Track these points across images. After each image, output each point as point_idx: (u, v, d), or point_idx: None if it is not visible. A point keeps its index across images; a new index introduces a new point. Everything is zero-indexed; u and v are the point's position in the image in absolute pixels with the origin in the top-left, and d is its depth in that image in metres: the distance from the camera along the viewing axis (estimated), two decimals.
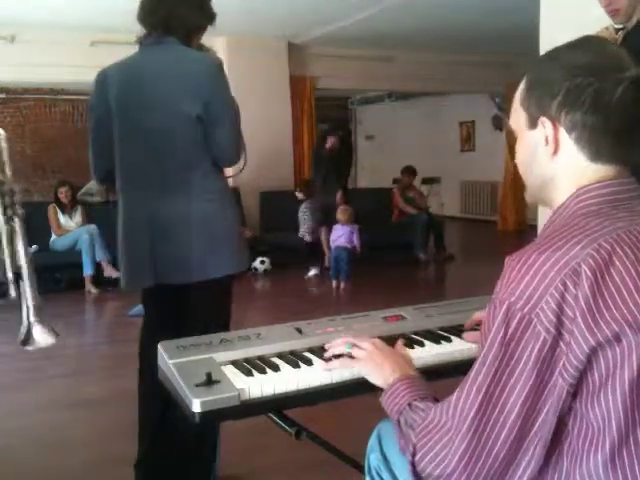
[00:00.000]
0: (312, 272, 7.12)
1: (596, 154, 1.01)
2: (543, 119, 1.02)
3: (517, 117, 1.09)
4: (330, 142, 7.78)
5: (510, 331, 0.92)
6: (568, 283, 0.90)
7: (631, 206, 1.00)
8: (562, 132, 1.01)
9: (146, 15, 2.13)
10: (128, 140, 2.12)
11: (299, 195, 7.64)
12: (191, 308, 2.17)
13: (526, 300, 0.91)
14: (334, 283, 6.65)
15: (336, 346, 1.39)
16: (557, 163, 1.04)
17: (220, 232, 2.14)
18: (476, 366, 0.97)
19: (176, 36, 2.10)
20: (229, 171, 2.30)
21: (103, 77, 2.15)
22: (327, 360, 1.37)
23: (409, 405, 1.12)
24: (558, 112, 1.00)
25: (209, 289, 2.15)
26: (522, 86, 1.08)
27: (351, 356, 1.33)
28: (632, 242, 0.93)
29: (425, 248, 8.09)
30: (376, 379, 1.26)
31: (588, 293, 0.89)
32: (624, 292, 0.90)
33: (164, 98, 2.06)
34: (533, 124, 1.05)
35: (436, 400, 1.12)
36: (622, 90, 0.95)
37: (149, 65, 2.11)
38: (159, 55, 2.10)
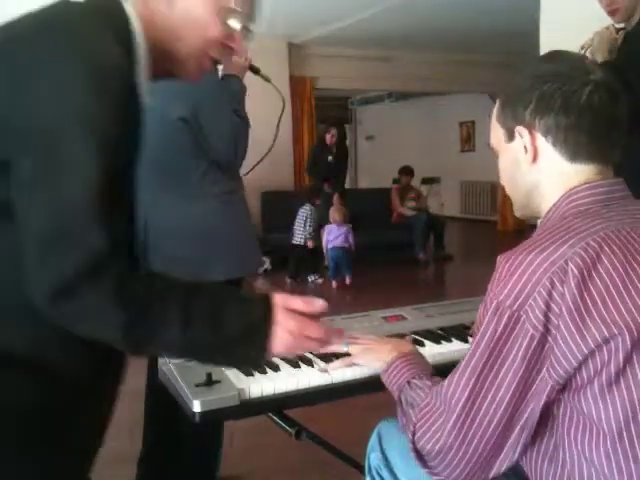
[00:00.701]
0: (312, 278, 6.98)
1: (574, 154, 1.04)
2: (519, 128, 1.06)
3: (495, 134, 1.13)
4: (330, 136, 7.75)
5: (500, 328, 0.95)
6: (555, 281, 0.92)
7: (619, 206, 1.02)
8: (539, 137, 1.05)
9: None
10: None
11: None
12: None
13: (515, 298, 0.94)
14: (334, 283, 6.65)
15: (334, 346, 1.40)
16: (539, 169, 1.07)
17: (220, 233, 2.13)
18: (467, 357, 0.99)
19: None
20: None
21: None
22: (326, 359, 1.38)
23: (408, 383, 1.16)
24: (532, 119, 1.04)
25: None
26: (497, 105, 1.12)
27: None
28: (620, 241, 0.95)
29: (425, 248, 8.10)
30: (376, 364, 1.29)
31: (575, 290, 0.91)
32: (612, 290, 0.91)
33: (155, 101, 2.06)
34: (511, 136, 1.09)
35: (435, 377, 1.17)
36: (589, 91, 1.00)
37: None
38: None
